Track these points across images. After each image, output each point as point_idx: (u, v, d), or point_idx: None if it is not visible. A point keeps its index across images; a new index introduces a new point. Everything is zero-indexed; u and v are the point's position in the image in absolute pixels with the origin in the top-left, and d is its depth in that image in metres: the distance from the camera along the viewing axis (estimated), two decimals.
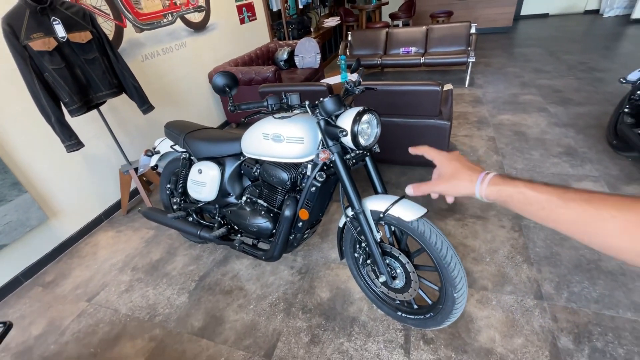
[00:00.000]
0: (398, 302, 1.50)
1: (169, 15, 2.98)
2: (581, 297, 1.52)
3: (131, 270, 2.03)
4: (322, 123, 1.27)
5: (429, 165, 2.64)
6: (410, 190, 0.59)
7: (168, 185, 2.02)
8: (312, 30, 5.80)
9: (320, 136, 1.33)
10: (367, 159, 1.40)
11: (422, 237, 1.20)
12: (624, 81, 2.44)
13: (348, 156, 1.33)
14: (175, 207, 1.96)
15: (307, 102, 1.26)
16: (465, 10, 6.63)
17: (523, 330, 1.42)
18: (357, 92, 1.45)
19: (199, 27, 3.39)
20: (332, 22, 6.24)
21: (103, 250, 2.24)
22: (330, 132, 1.26)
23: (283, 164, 1.47)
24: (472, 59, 4.01)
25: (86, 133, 2.33)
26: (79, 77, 1.96)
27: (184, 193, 1.92)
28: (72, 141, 1.92)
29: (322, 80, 3.67)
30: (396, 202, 1.26)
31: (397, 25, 6.01)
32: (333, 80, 3.57)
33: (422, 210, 1.21)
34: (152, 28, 2.82)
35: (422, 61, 4.28)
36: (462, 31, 4.36)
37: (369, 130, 1.28)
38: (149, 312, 1.74)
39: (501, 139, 2.91)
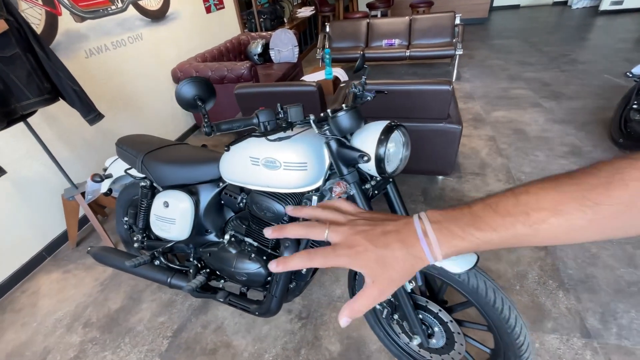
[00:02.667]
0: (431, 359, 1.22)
1: (118, 1, 2.47)
2: (632, 332, 1.31)
3: (83, 327, 1.60)
4: (333, 144, 0.93)
5: (434, 173, 2.41)
6: (343, 322, 0.34)
7: (125, 219, 1.59)
8: (285, 20, 5.36)
9: (327, 160, 1.00)
10: (389, 185, 1.09)
11: (475, 293, 0.91)
12: (631, 75, 2.30)
13: (367, 185, 1.01)
14: (136, 245, 1.54)
15: (312, 117, 0.91)
16: (444, 1, 6.46)
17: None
18: (369, 97, 1.12)
19: (157, 16, 2.88)
20: (306, 12, 5.82)
21: (45, 299, 1.78)
22: (346, 156, 0.93)
23: (278, 194, 1.12)
24: (459, 52, 3.80)
25: (13, 152, 1.83)
26: None
27: (147, 229, 1.51)
28: None
29: (304, 77, 3.30)
30: None
31: (376, 16, 5.71)
32: (316, 77, 3.22)
33: (473, 258, 0.92)
34: (97, 17, 2.31)
35: (407, 54, 4.02)
36: (447, 22, 4.14)
37: (396, 152, 0.96)
38: None
39: (501, 138, 2.71)
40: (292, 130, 0.97)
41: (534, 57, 4.52)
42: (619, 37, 4.91)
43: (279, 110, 0.90)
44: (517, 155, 2.47)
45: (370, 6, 5.83)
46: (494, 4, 7.91)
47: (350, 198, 0.96)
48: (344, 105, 1.02)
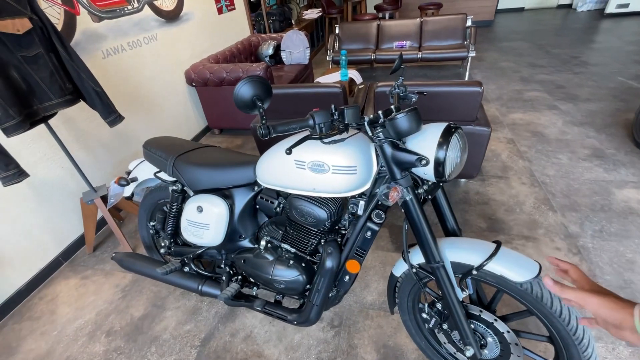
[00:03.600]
0: None
1: (135, 1, 2.43)
2: None
3: (106, 336, 1.54)
4: (387, 148, 0.89)
5: (459, 177, 2.36)
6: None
7: (151, 223, 1.54)
8: (293, 22, 5.34)
9: (375, 163, 0.96)
10: (439, 190, 1.05)
11: (539, 303, 0.87)
12: None
13: (420, 190, 0.98)
14: (163, 250, 1.49)
15: (366, 119, 0.87)
16: (449, 3, 6.46)
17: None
18: (414, 98, 1.09)
19: (172, 17, 2.84)
20: (312, 14, 5.80)
21: (64, 306, 1.72)
22: (401, 159, 0.89)
23: (320, 199, 1.08)
24: (472, 54, 3.78)
25: (32, 154, 1.78)
26: (16, 81, 1.43)
27: (175, 233, 1.46)
28: (9, 171, 1.39)
29: (319, 79, 3.27)
30: (494, 253, 0.91)
31: (384, 18, 5.69)
32: (330, 78, 3.19)
33: (535, 267, 0.88)
34: (114, 16, 2.26)
35: (419, 56, 4.00)
36: (458, 24, 4.12)
37: (454, 155, 0.92)
38: None
39: (521, 140, 2.68)
40: (347, 132, 0.93)
41: (544, 59, 4.51)
42: (627, 39, 4.91)
43: (333, 111, 0.86)
44: (539, 158, 2.44)
45: (378, 8, 5.81)
46: (499, 7, 7.93)
47: (404, 204, 0.92)
48: (392, 107, 0.99)
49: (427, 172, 0.89)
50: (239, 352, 1.41)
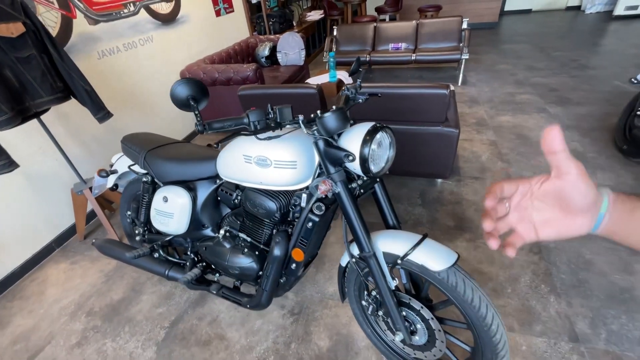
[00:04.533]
0: (414, 357, 1.24)
1: (131, 5, 2.57)
2: (622, 338, 1.31)
3: (86, 316, 1.67)
4: (320, 144, 0.97)
5: (433, 176, 2.43)
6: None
7: (128, 213, 1.67)
8: (294, 24, 5.44)
9: (317, 159, 1.04)
10: (377, 185, 1.12)
11: (454, 291, 0.94)
12: (636, 81, 2.27)
13: (354, 184, 1.05)
14: (138, 238, 1.61)
15: (300, 118, 0.95)
16: (452, 5, 6.45)
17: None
18: (360, 100, 1.16)
19: (168, 19, 2.98)
20: (315, 15, 5.90)
21: (52, 288, 1.86)
22: (332, 155, 0.97)
23: (270, 192, 1.17)
24: (465, 56, 3.80)
25: (26, 147, 1.93)
26: (9, 80, 1.57)
27: (148, 223, 1.58)
28: (0, 162, 1.53)
29: (308, 80, 3.35)
30: (418, 243, 0.98)
31: (384, 20, 5.74)
32: (320, 79, 3.27)
33: (453, 256, 0.95)
34: (110, 19, 2.41)
35: (413, 58, 4.04)
36: (454, 26, 4.14)
37: (380, 152, 1.00)
38: None
39: (504, 143, 2.70)
40: (281, 130, 1.02)
41: (543, 62, 4.48)
42: (631, 42, 4.82)
43: (269, 110, 0.94)
44: (519, 160, 2.46)
45: (379, 10, 5.86)
46: (505, 9, 7.85)
47: (336, 196, 1.00)
48: (333, 107, 1.07)
49: (356, 168, 0.97)
50: (203, 334, 1.51)
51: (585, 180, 0.37)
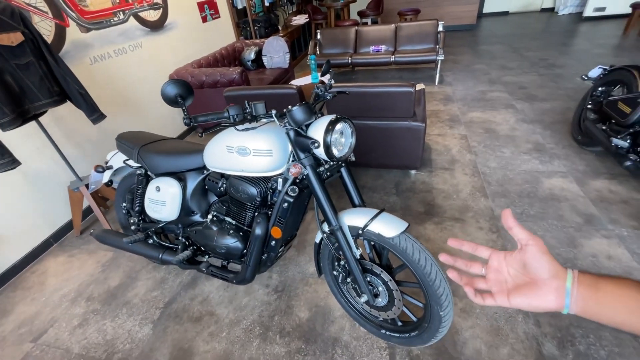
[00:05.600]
0: (381, 319, 1.42)
1: (120, 13, 2.72)
2: None
3: (85, 301, 1.81)
4: (291, 134, 1.15)
5: (406, 167, 2.62)
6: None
7: (124, 204, 1.81)
8: (279, 28, 5.62)
9: (290, 148, 1.21)
10: (343, 169, 1.30)
11: (404, 253, 1.12)
12: (586, 78, 2.52)
13: (322, 168, 1.23)
14: (133, 227, 1.76)
15: (273, 112, 1.13)
16: (432, 8, 6.72)
17: (508, 339, 1.38)
18: (328, 97, 1.34)
19: (156, 26, 3.13)
20: (300, 20, 6.09)
21: (52, 278, 1.99)
22: (301, 143, 1.14)
23: (251, 178, 1.33)
24: (441, 57, 4.03)
25: (25, 148, 2.06)
26: (10, 85, 1.70)
27: (142, 212, 1.73)
28: (3, 159, 1.67)
29: (292, 82, 3.53)
30: (375, 216, 1.16)
31: (366, 23, 5.97)
32: (303, 81, 3.45)
33: (403, 225, 1.13)
34: (101, 27, 2.55)
35: (392, 60, 4.25)
36: (430, 29, 4.38)
37: (343, 140, 1.18)
38: (106, 350, 1.54)
39: (473, 137, 2.92)
40: (257, 122, 1.19)
41: (516, 61, 4.75)
42: (597, 42, 5.14)
43: (247, 106, 1.12)
44: (485, 151, 2.68)
45: (361, 14, 6.09)
46: (484, 11, 8.17)
47: (306, 178, 1.18)
48: (303, 102, 1.24)
49: (321, 153, 1.15)
50: (195, 312, 1.67)
51: (544, 253, 0.42)
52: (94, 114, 2.05)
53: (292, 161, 1.25)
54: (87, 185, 2.15)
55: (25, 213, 2.09)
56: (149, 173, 1.63)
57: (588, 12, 6.50)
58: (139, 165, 1.61)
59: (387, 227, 1.13)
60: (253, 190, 1.33)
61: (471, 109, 3.44)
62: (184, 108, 1.04)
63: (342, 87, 2.03)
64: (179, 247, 1.61)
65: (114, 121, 2.69)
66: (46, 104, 1.86)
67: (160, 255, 1.60)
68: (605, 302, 0.39)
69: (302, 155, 1.16)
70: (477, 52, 5.41)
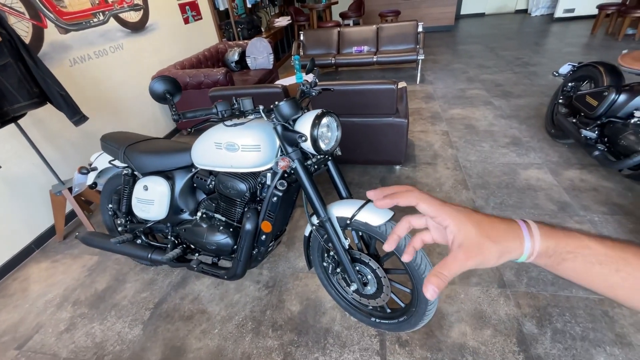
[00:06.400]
0: (371, 307, 1.46)
1: (100, 14, 2.68)
2: (539, 282, 1.60)
3: (72, 305, 1.78)
4: (279, 128, 1.18)
5: (390, 163, 2.70)
6: (430, 292, 0.35)
7: (110, 206, 1.79)
8: (262, 30, 5.64)
9: (278, 142, 1.24)
10: (330, 163, 1.34)
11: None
12: (557, 74, 2.65)
13: (309, 162, 1.26)
14: (120, 228, 1.75)
15: (261, 107, 1.16)
16: (411, 10, 6.88)
17: (491, 320, 1.45)
18: (313, 93, 1.38)
19: (137, 28, 3.10)
20: (283, 21, 6.12)
21: (35, 285, 1.94)
22: (289, 137, 1.17)
23: (240, 174, 1.36)
24: (421, 57, 4.15)
25: (4, 151, 2.01)
26: None
27: (129, 213, 1.72)
28: None
29: (277, 82, 3.56)
30: (362, 206, 1.21)
31: (348, 25, 6.06)
32: (288, 81, 3.48)
33: (389, 214, 1.18)
34: (80, 28, 2.51)
35: (374, 60, 4.34)
36: (410, 30, 4.50)
37: (329, 133, 1.22)
38: (95, 352, 1.52)
39: (454, 132, 3.03)
40: (245, 117, 1.22)
41: (492, 60, 4.93)
42: (567, 41, 5.40)
43: (234, 102, 1.14)
44: (465, 146, 2.78)
45: (343, 15, 6.17)
46: (461, 12, 8.42)
47: (294, 171, 1.21)
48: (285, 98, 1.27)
49: (309, 147, 1.18)
50: (186, 310, 1.67)
51: (464, 225, 0.36)
52: (76, 115, 2.02)
53: (280, 155, 1.28)
54: (70, 189, 2.10)
55: (4, 219, 2.03)
56: (135, 173, 1.62)
57: (558, 13, 6.82)
58: (125, 165, 1.61)
59: (374, 216, 1.18)
60: (242, 186, 1.35)
61: (452, 106, 3.55)
62: (172, 104, 1.06)
63: (326, 84, 2.07)
64: (169, 246, 1.61)
65: (96, 123, 2.64)
66: (26, 106, 1.82)
67: (149, 255, 1.59)
68: (562, 250, 0.35)
69: (289, 149, 1.19)
70: (456, 52, 5.58)
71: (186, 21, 3.86)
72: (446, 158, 2.65)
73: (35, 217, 2.20)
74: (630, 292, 0.33)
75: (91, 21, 2.59)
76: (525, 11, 8.23)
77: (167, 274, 1.89)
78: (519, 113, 3.23)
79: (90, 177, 1.78)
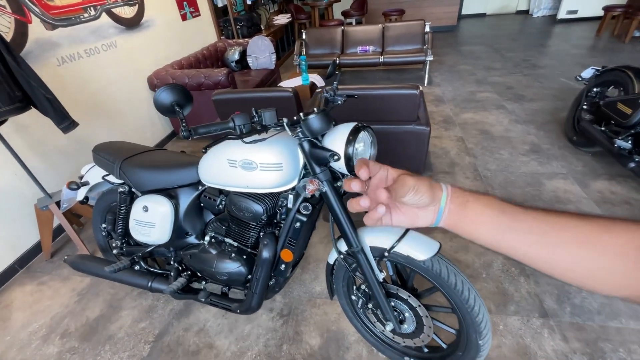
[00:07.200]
0: (404, 345, 1.29)
1: (91, 9, 2.46)
2: (583, 310, 1.45)
3: (60, 338, 1.57)
4: (305, 145, 1.00)
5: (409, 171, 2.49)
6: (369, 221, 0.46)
7: (103, 226, 1.59)
8: (262, 28, 5.43)
9: (302, 159, 1.07)
10: None
11: (439, 278, 1.00)
12: (580, 79, 2.52)
13: (339, 183, 1.09)
14: (115, 251, 1.55)
15: (285, 120, 0.98)
16: (414, 9, 6.73)
17: (537, 357, 1.30)
18: (339, 102, 1.21)
19: (132, 24, 2.88)
20: (282, 19, 5.91)
21: (19, 312, 1.73)
22: (318, 156, 1.00)
23: (256, 195, 1.17)
24: (430, 58, 3.99)
25: None
26: None
27: (126, 234, 1.52)
28: None
29: (281, 84, 3.37)
30: (402, 236, 1.04)
31: (351, 23, 5.88)
32: (293, 82, 3.30)
33: (436, 246, 1.01)
34: (69, 24, 2.29)
35: (381, 60, 4.18)
36: (417, 30, 4.34)
37: (365, 150, 1.05)
38: None
39: (469, 138, 2.88)
40: (266, 132, 1.04)
41: (499, 62, 4.81)
42: (573, 43, 5.30)
43: (254, 114, 0.96)
44: (483, 154, 2.64)
45: (345, 14, 6.00)
46: (462, 12, 8.31)
47: (323, 195, 1.03)
48: (315, 109, 1.10)
49: (340, 167, 1.00)
50: (191, 344, 1.48)
51: (417, 187, 0.42)
52: (64, 121, 1.81)
53: (304, 175, 1.11)
54: (57, 203, 1.89)
55: None
56: (133, 190, 1.42)
57: (561, 14, 6.74)
58: (122, 181, 1.41)
59: (418, 248, 1.01)
60: (258, 208, 1.17)
61: (463, 110, 3.41)
62: (182, 118, 0.87)
63: (346, 89, 1.90)
64: (171, 273, 1.41)
65: (87, 128, 2.42)
66: (7, 112, 1.60)
67: (149, 284, 1.40)
68: (469, 220, 0.41)
69: (317, 169, 1.02)
70: (461, 53, 5.45)
71: (184, 18, 3.64)
72: (464, 167, 2.50)
73: (19, 234, 1.99)
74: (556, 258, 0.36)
75: (81, 16, 2.37)
76: (526, 12, 8.15)
77: (168, 299, 1.70)
78: (535, 118, 3.10)
79: (81, 193, 1.57)
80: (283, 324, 1.52)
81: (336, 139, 0.99)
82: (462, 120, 3.19)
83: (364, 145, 1.04)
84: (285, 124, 0.97)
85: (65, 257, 1.56)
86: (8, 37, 1.93)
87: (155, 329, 1.56)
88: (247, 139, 1.02)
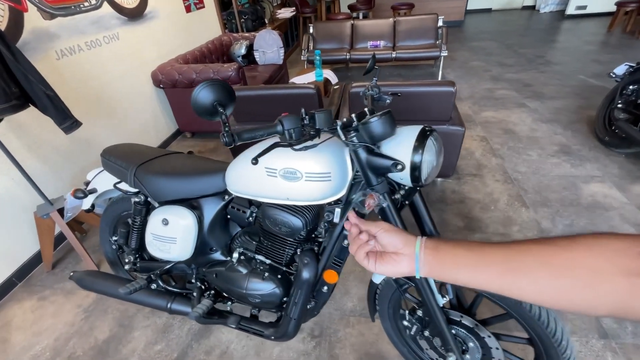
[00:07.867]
0: None
1: None
2: None
3: None
4: (361, 153, 0.85)
5: (441, 176, 2.35)
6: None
7: (113, 238, 1.43)
8: (266, 21, 5.23)
9: (350, 168, 0.92)
10: (416, 194, 1.02)
11: (519, 307, 0.86)
12: (614, 76, 2.39)
13: (396, 195, 0.94)
14: (128, 266, 1.38)
15: (339, 123, 0.82)
16: (423, 3, 6.56)
17: None
18: (388, 100, 1.07)
19: (135, 15, 2.68)
20: (286, 13, 5.72)
21: (18, 333, 1.56)
22: (377, 165, 0.85)
23: (293, 207, 1.02)
24: (444, 53, 3.85)
25: None
26: None
27: (141, 248, 1.36)
28: None
29: (293, 79, 3.20)
30: None
31: (358, 17, 5.70)
32: (305, 78, 3.13)
33: None
34: (69, 14, 2.09)
35: (393, 56, 4.02)
36: (430, 24, 4.19)
37: (431, 159, 0.90)
38: None
39: (493, 138, 2.74)
40: (319, 137, 0.88)
41: (512, 58, 4.67)
42: (585, 39, 5.18)
43: (304, 116, 0.80)
44: (511, 155, 2.50)
45: (351, 8, 5.81)
46: (468, 8, 8.15)
47: (382, 210, 0.88)
48: (366, 110, 0.94)
49: (403, 177, 0.85)
50: None
51: (391, 231, 0.52)
52: (66, 121, 1.63)
53: (353, 184, 0.96)
54: (59, 210, 1.72)
55: None
56: (149, 200, 1.26)
57: (570, 10, 6.62)
58: (137, 190, 1.25)
59: None
60: (298, 222, 1.02)
61: (483, 108, 3.27)
62: (224, 120, 0.71)
63: (385, 86, 1.74)
64: (193, 292, 1.26)
65: (87, 128, 2.24)
66: (2, 110, 1.42)
67: (168, 305, 1.24)
68: (444, 263, 0.45)
69: (374, 181, 0.87)
70: (471, 49, 5.30)
71: (188, 9, 3.44)
72: (492, 168, 2.36)
73: (16, 244, 1.81)
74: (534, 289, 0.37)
75: (82, 5, 2.18)
76: (532, 7, 8.03)
77: (184, 317, 1.54)
78: (559, 117, 2.97)
79: (88, 201, 1.41)
80: (315, 346, 1.38)
81: (399, 145, 0.84)
82: (483, 119, 3.05)
83: (431, 153, 0.89)
84: (338, 128, 0.82)
85: (72, 274, 1.39)
86: (2, 27, 1.74)
87: (173, 352, 1.41)
88: (297, 146, 0.86)
